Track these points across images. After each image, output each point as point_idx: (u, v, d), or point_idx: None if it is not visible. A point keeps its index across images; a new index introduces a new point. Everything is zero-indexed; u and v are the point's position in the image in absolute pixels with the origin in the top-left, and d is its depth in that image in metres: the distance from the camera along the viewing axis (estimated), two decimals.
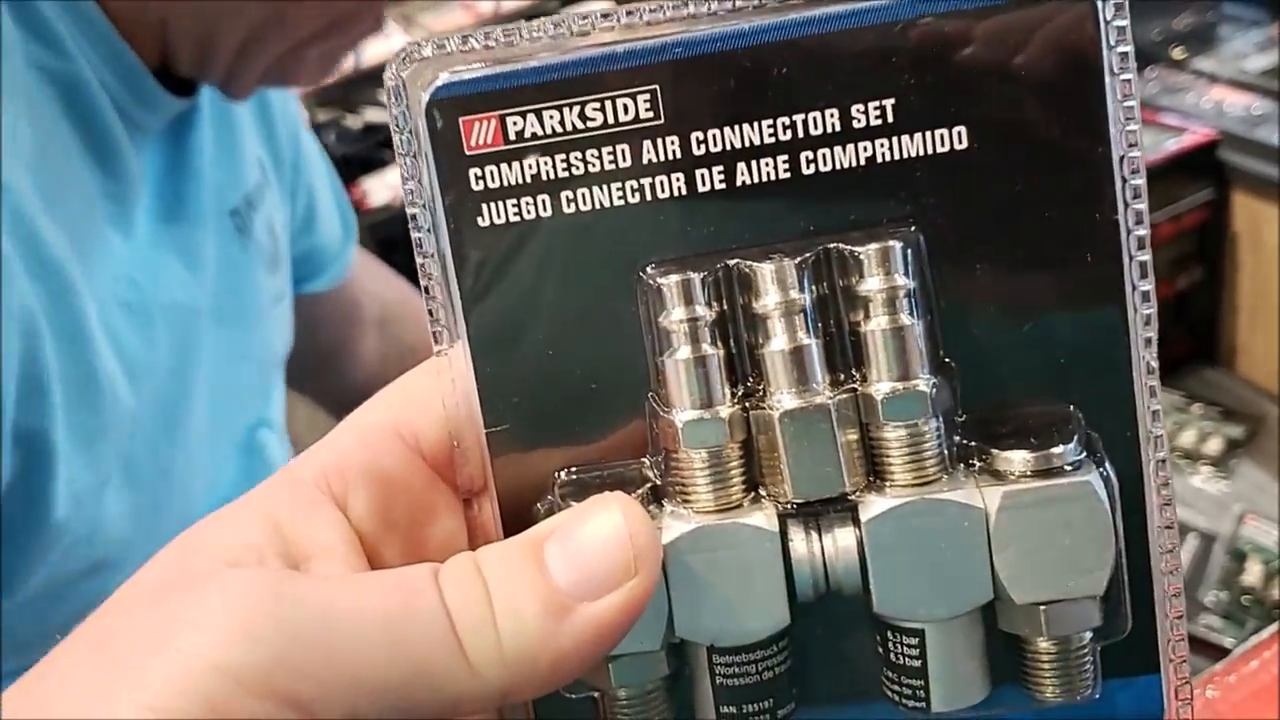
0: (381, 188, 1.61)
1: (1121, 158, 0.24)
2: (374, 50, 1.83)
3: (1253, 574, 0.87)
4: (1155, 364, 0.24)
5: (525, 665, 0.22)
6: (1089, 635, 0.24)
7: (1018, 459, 0.24)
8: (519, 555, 0.22)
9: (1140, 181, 0.24)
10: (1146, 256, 0.24)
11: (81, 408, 0.48)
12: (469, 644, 0.21)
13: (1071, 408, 0.24)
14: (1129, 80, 0.23)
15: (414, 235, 0.24)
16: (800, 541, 0.24)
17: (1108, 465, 0.24)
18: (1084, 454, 0.24)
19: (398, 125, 0.24)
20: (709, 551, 0.24)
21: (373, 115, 1.76)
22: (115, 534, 0.52)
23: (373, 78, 1.83)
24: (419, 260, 0.25)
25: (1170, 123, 1.06)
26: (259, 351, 0.66)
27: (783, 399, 0.24)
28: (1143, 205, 0.24)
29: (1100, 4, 0.23)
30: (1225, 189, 1.05)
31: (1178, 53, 1.56)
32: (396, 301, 0.85)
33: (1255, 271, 1.07)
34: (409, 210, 0.24)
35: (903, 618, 0.24)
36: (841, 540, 0.24)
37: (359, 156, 1.65)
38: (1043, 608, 0.24)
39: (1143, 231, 0.24)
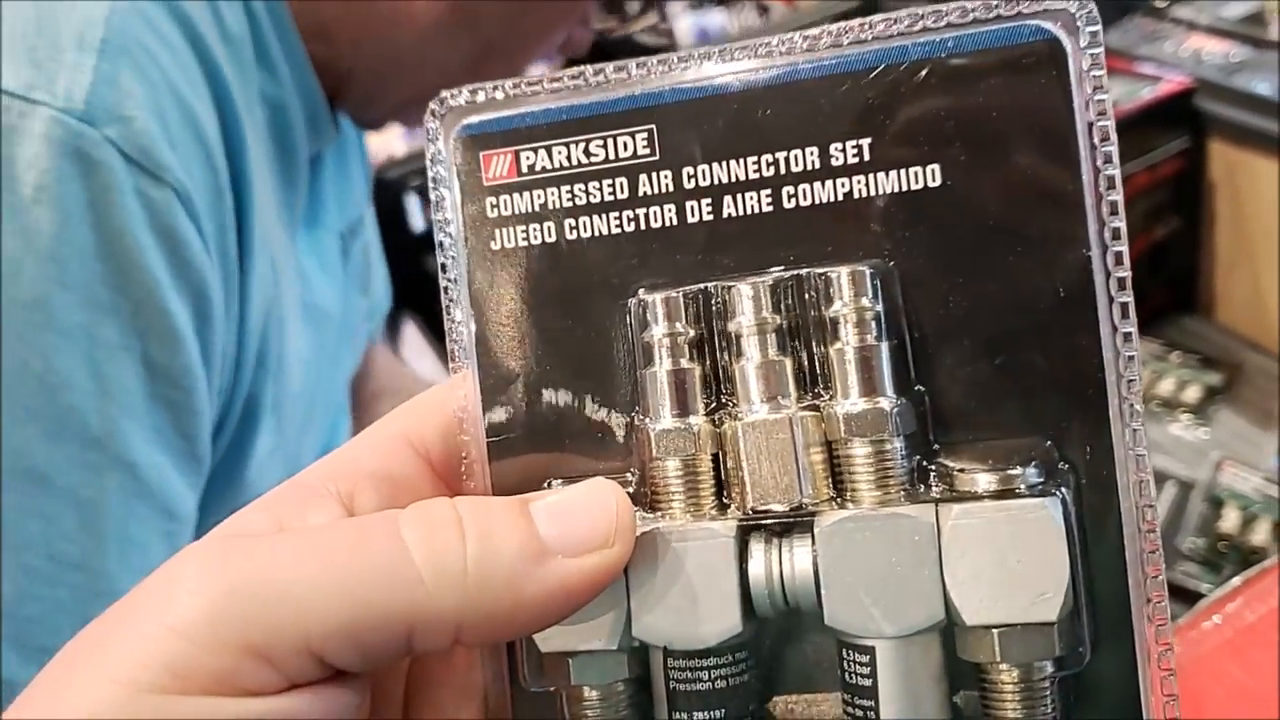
0: None
1: (1099, 199, 0.24)
2: None
3: (1229, 521, 0.87)
4: (1139, 407, 0.24)
5: (487, 596, 0.22)
6: (1049, 666, 0.23)
7: (979, 480, 0.24)
8: (502, 504, 0.23)
9: (1120, 224, 0.25)
10: (1128, 298, 0.24)
11: (278, 383, 0.53)
12: (427, 566, 0.21)
13: (1048, 442, 0.24)
14: (1106, 125, 0.25)
15: (439, 259, 0.27)
16: (759, 552, 0.24)
17: (1066, 492, 0.23)
18: (1042, 480, 0.23)
19: (432, 161, 0.27)
20: (666, 552, 0.24)
21: None
22: None
23: None
24: (443, 282, 0.27)
25: (1146, 71, 1.06)
26: (350, 364, 0.71)
27: (750, 411, 0.24)
28: (1122, 247, 0.24)
29: (1070, 53, 0.24)
30: (1201, 137, 1.05)
31: (1160, 2, 1.56)
32: (400, 390, 0.89)
33: (1232, 220, 1.07)
34: (436, 237, 0.27)
35: (854, 633, 0.24)
36: (799, 555, 0.24)
37: None
38: (996, 631, 0.23)
39: (1123, 273, 0.24)
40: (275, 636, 0.21)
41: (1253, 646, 0.59)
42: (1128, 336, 0.24)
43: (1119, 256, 0.25)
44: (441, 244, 0.27)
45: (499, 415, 0.26)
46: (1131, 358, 0.24)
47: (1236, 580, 0.66)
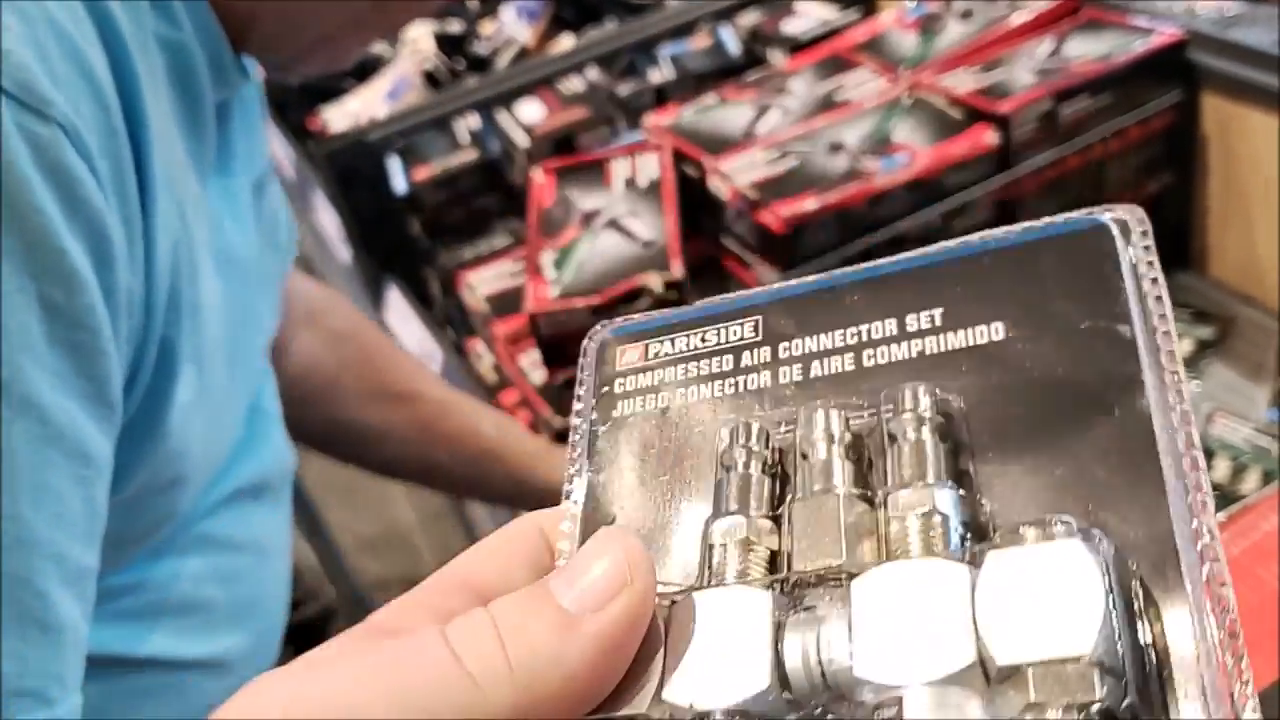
0: (341, 116, 1.57)
1: (1157, 343, 0.26)
2: None
3: (1220, 471, 0.87)
4: (1206, 500, 0.24)
5: (536, 681, 0.23)
6: (1090, 708, 0.21)
7: (1017, 529, 0.23)
8: (525, 593, 0.24)
9: (1178, 368, 0.26)
10: (1188, 415, 0.25)
11: (193, 330, 0.51)
12: (474, 669, 0.22)
13: (1070, 517, 0.24)
14: (1160, 297, 0.27)
15: (572, 419, 0.31)
16: (795, 618, 0.24)
17: (1099, 533, 0.23)
18: (1080, 534, 0.23)
19: (581, 376, 0.32)
20: (703, 613, 0.25)
21: None
22: (194, 453, 0.54)
23: None
24: (571, 436, 0.31)
25: (1139, 24, 1.04)
26: (268, 323, 0.68)
27: (802, 495, 0.27)
28: (1183, 389, 0.26)
29: (1118, 238, 0.27)
30: (1194, 91, 1.04)
31: None
32: (321, 297, 0.88)
33: (1225, 174, 1.06)
34: (572, 420, 0.31)
35: (884, 681, 0.22)
36: (830, 617, 0.24)
37: (318, 86, 1.62)
38: (1030, 670, 0.21)
39: (1184, 406, 0.26)
40: None
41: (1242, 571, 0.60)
42: (1200, 485, 0.24)
43: (1180, 392, 0.26)
44: (575, 425, 0.31)
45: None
46: (1201, 500, 0.24)
47: (1221, 516, 0.66)
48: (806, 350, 0.30)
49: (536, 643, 0.23)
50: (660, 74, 1.33)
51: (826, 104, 1.06)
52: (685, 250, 0.94)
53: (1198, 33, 1.04)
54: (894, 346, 0.29)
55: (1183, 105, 1.03)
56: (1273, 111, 0.98)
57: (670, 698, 0.24)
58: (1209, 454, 0.89)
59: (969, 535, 0.25)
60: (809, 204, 0.92)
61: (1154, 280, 0.27)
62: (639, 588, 0.24)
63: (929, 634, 0.22)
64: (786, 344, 0.30)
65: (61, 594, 0.41)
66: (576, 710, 0.23)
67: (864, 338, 0.29)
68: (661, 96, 1.31)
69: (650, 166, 1.03)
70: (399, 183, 1.25)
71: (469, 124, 1.32)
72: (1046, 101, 0.97)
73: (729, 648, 0.24)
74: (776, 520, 0.27)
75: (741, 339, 0.30)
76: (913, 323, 0.29)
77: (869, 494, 0.26)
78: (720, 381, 0.30)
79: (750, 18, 1.39)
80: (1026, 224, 0.29)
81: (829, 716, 0.24)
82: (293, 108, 1.59)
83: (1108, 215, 0.28)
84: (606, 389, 0.31)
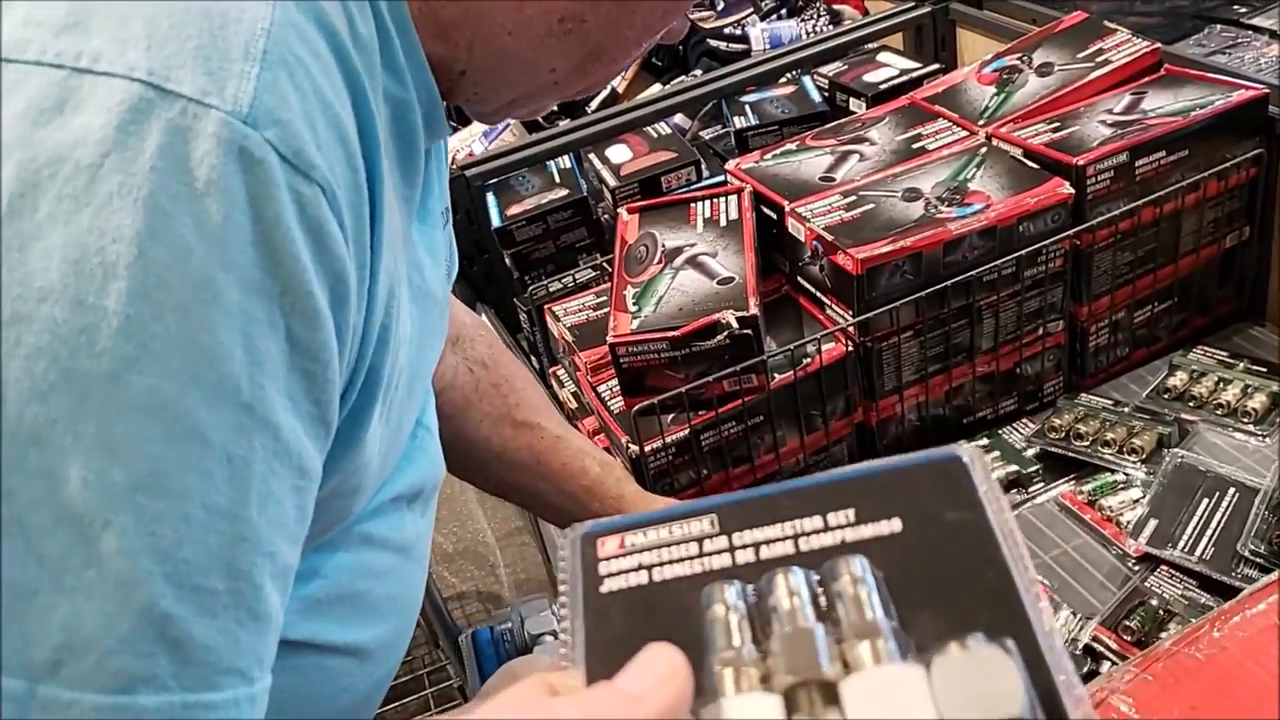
0: None
1: (1005, 533, 0.37)
2: None
3: None
4: (1061, 646, 0.34)
5: None
6: None
7: (949, 647, 0.33)
8: (600, 685, 0.34)
9: (1021, 551, 0.36)
10: (1032, 580, 0.35)
11: (393, 360, 0.59)
12: None
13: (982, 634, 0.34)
14: (999, 498, 0.38)
15: (559, 602, 0.39)
16: (798, 716, 0.32)
17: (1011, 643, 0.33)
18: (996, 642, 0.33)
19: (562, 568, 0.40)
20: (733, 716, 0.33)
21: None
22: (374, 464, 0.61)
23: None
24: (558, 619, 0.38)
25: (1220, 79, 1.06)
26: (441, 344, 0.76)
27: (784, 629, 0.35)
28: (1030, 570, 0.36)
29: (971, 466, 0.38)
30: (1275, 145, 1.05)
31: (1240, 10, 1.54)
32: (470, 324, 0.95)
33: None
34: (559, 603, 0.39)
35: None
36: (829, 713, 0.32)
37: None
38: None
39: (1032, 576, 0.35)
40: None
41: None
42: (1045, 618, 0.34)
43: (1026, 568, 0.36)
44: (563, 603, 0.39)
45: None
46: (1051, 627, 0.34)
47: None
48: (755, 539, 0.38)
49: (615, 711, 0.33)
50: (743, 120, 1.38)
51: (904, 153, 1.09)
52: (761, 289, 0.97)
53: (1278, 87, 1.05)
54: (822, 535, 0.38)
55: (1262, 159, 1.05)
56: None
57: None
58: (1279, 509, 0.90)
59: (907, 654, 0.33)
60: (883, 247, 0.95)
61: (998, 496, 0.37)
62: (682, 680, 0.33)
63: (904, 716, 0.31)
64: (739, 534, 0.39)
65: (270, 587, 0.47)
66: None
67: (798, 529, 0.38)
68: (744, 142, 1.35)
69: (730, 208, 1.07)
70: (494, 217, 1.31)
71: (561, 164, 1.37)
72: (1122, 155, 0.99)
73: None
74: (759, 649, 0.35)
75: (703, 532, 0.39)
76: (834, 519, 0.38)
77: (832, 628, 0.35)
78: (689, 562, 0.38)
79: (833, 68, 1.43)
80: (905, 457, 0.39)
81: None
82: None
83: (959, 453, 0.39)
84: (593, 570, 0.39)
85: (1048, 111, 1.08)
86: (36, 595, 0.42)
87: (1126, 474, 0.99)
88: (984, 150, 1.05)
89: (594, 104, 1.65)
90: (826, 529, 0.38)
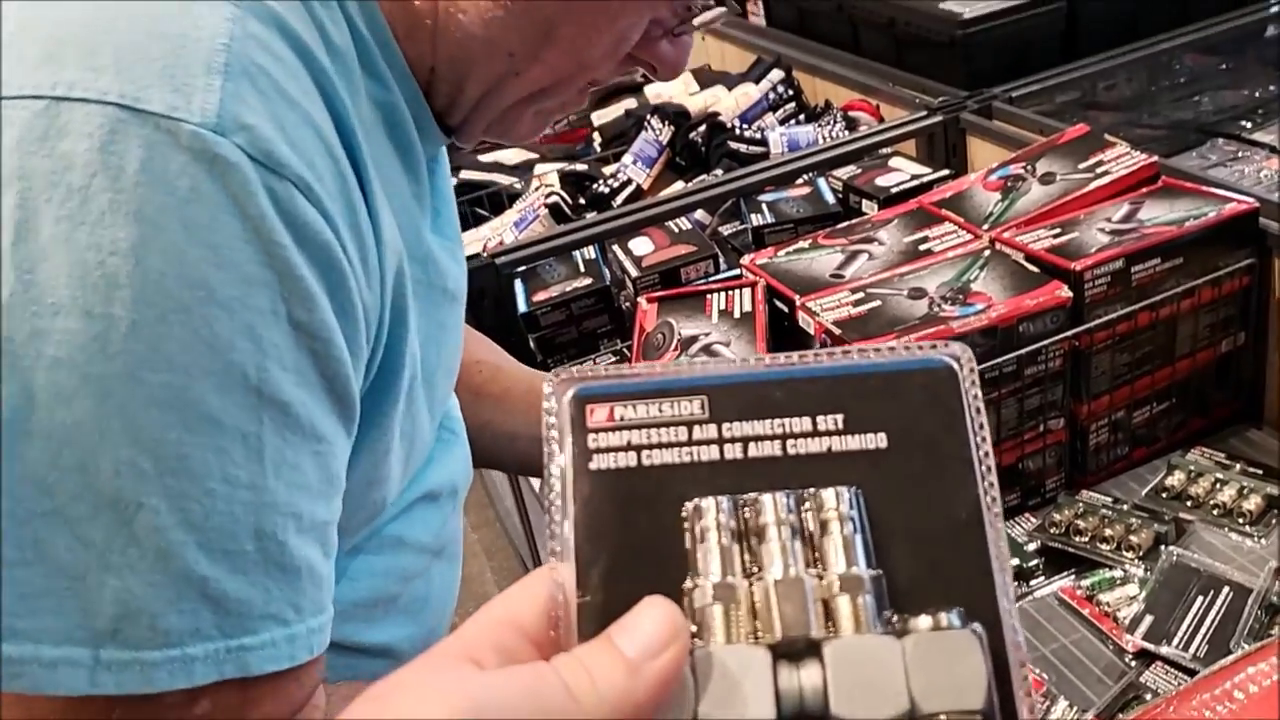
0: (472, 240, 1.70)
1: (980, 458, 0.38)
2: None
3: None
4: (1012, 580, 0.37)
5: (617, 706, 0.33)
6: None
7: (922, 622, 0.35)
8: (600, 642, 0.35)
9: (994, 479, 0.38)
10: (1001, 526, 0.37)
11: (409, 340, 0.63)
12: (580, 697, 0.33)
13: (958, 607, 0.36)
14: (980, 410, 0.38)
15: (545, 474, 0.38)
16: (785, 670, 0.35)
17: (979, 628, 0.35)
18: (961, 623, 0.35)
19: (548, 412, 0.39)
20: (724, 663, 0.35)
21: (468, 175, 1.87)
22: (394, 459, 0.65)
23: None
24: (546, 489, 0.38)
25: (1215, 193, 1.11)
26: (459, 349, 0.79)
27: (775, 573, 0.36)
28: (995, 493, 0.37)
29: (961, 375, 0.39)
30: (1267, 257, 1.09)
31: (1244, 125, 1.60)
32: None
33: None
34: (545, 460, 0.38)
35: (851, 718, 0.34)
36: (810, 669, 0.35)
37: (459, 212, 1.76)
38: (942, 716, 0.34)
39: (997, 510, 0.37)
40: None
41: None
42: (1002, 551, 0.37)
43: (994, 498, 0.37)
44: (548, 467, 0.38)
45: (588, 583, 0.37)
46: (1005, 564, 0.36)
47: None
48: (744, 434, 0.38)
49: (615, 680, 0.33)
50: (760, 218, 1.44)
51: (911, 253, 1.14)
52: None
53: (1271, 202, 1.10)
54: (810, 441, 0.38)
55: (1255, 269, 1.09)
56: None
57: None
58: (1272, 610, 0.93)
59: (885, 605, 0.36)
60: (888, 342, 0.99)
61: (978, 410, 0.38)
62: (681, 642, 0.34)
63: (879, 690, 0.34)
64: (729, 425, 0.38)
65: (298, 542, 0.53)
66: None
67: (787, 430, 0.38)
68: (760, 238, 1.41)
69: (745, 300, 1.12)
70: (521, 302, 1.37)
71: (586, 254, 1.43)
72: (1118, 261, 1.04)
73: (742, 690, 0.34)
74: (749, 580, 0.36)
75: (693, 415, 0.39)
76: (823, 423, 0.38)
77: (817, 571, 0.36)
78: (678, 449, 0.38)
79: (847, 171, 1.49)
80: (898, 351, 0.39)
81: None
82: None
83: (949, 357, 0.39)
84: (582, 440, 0.38)
85: (1049, 218, 1.13)
86: (87, 575, 0.48)
87: (1125, 570, 1.02)
88: (987, 253, 1.10)
89: (619, 199, 1.72)
90: (815, 433, 0.38)
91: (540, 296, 1.36)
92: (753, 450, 0.38)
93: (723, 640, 0.35)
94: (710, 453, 0.38)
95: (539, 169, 1.89)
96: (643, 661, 0.33)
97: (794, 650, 0.35)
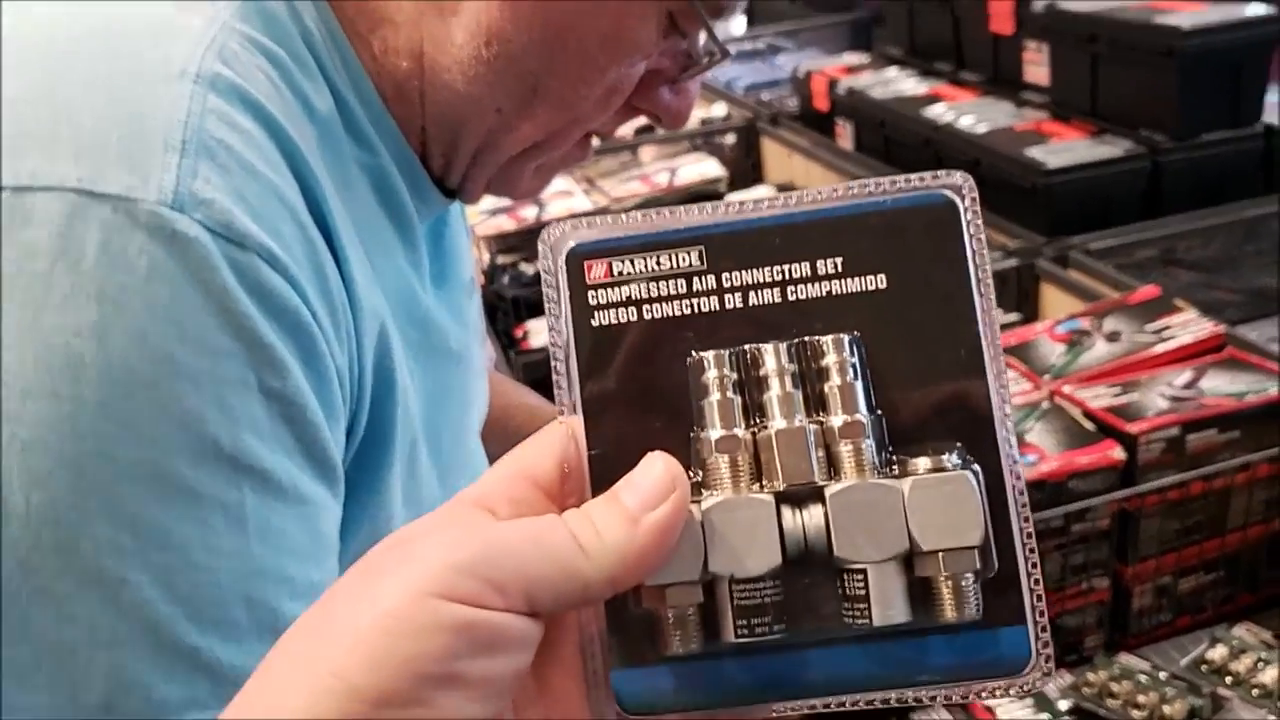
0: (542, 330, 1.75)
1: (982, 293, 0.38)
2: (554, 208, 2.02)
3: None
4: (1011, 411, 0.38)
5: (621, 555, 0.34)
6: (971, 576, 0.36)
7: (921, 463, 0.36)
8: (605, 498, 0.36)
9: (995, 312, 0.38)
10: (1002, 364, 0.37)
11: (403, 404, 0.63)
12: (587, 547, 0.34)
13: (957, 444, 0.37)
14: (981, 241, 0.38)
15: (549, 333, 0.38)
16: (788, 513, 0.36)
17: (978, 468, 0.37)
18: (962, 462, 0.36)
19: (545, 268, 0.39)
20: (730, 513, 0.36)
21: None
22: (398, 520, 0.65)
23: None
24: (551, 348, 0.38)
25: (1274, 367, 1.12)
26: (481, 407, 0.80)
27: (777, 424, 0.37)
28: (996, 325, 0.38)
29: (962, 208, 0.38)
30: None
31: None
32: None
33: None
34: (547, 318, 0.38)
35: (853, 561, 0.36)
36: (814, 512, 0.36)
37: (528, 299, 1.81)
38: (940, 554, 0.36)
39: (998, 343, 0.38)
40: (509, 578, 0.33)
41: None
42: (1003, 384, 0.37)
43: (995, 332, 0.38)
44: (551, 325, 0.38)
45: (597, 435, 0.38)
46: (1005, 398, 0.37)
47: None
48: (744, 282, 0.38)
49: (619, 531, 0.35)
50: None
51: None
52: None
53: None
54: (809, 285, 0.38)
55: None
56: None
57: (715, 569, 0.36)
58: None
59: (885, 446, 0.37)
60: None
61: (980, 242, 0.38)
62: (679, 494, 0.35)
63: (880, 531, 0.36)
64: (727, 274, 0.38)
65: (291, 606, 0.52)
66: (641, 575, 0.35)
67: (786, 275, 0.38)
68: None
69: None
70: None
71: None
72: (1176, 428, 1.05)
73: (750, 539, 0.36)
74: (752, 431, 0.37)
75: (691, 266, 0.38)
76: (822, 267, 0.38)
77: (817, 418, 0.37)
78: (678, 301, 0.38)
79: None
80: (899, 184, 0.38)
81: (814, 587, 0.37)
82: (502, 316, 1.79)
83: (950, 189, 0.38)
84: (582, 296, 0.38)
85: (1111, 377, 1.14)
86: (76, 652, 0.48)
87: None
88: (1045, 405, 1.12)
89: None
90: (814, 278, 0.38)
91: None
92: (753, 299, 0.38)
93: (730, 490, 0.36)
94: (710, 303, 0.38)
95: None
96: (642, 513, 0.35)
97: (798, 495, 0.36)
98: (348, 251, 0.59)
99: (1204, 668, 1.08)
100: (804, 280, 0.38)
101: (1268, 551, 1.13)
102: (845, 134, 2.13)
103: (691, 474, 0.37)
